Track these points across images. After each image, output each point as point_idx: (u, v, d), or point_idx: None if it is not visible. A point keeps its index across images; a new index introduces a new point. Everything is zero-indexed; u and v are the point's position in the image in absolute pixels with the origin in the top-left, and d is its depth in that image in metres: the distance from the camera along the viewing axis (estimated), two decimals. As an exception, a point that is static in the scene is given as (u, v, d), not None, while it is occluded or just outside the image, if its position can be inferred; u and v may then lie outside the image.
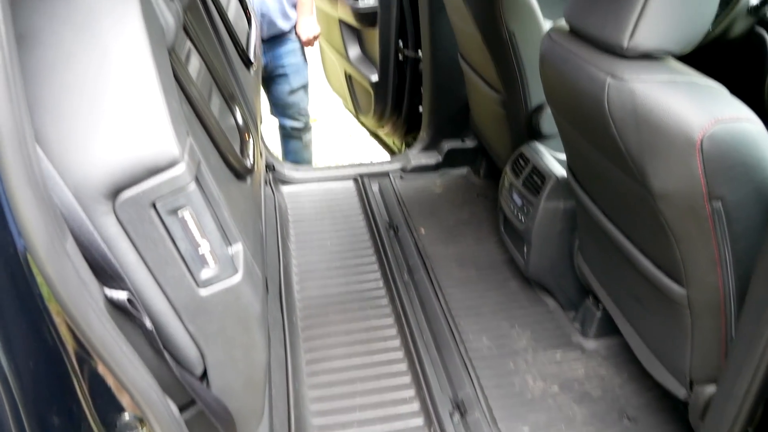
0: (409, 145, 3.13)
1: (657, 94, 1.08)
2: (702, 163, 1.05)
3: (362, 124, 3.59)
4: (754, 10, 2.19)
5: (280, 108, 3.17)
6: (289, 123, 3.20)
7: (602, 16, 1.18)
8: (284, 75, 3.05)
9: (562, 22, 1.39)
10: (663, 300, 1.33)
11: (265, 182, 2.54)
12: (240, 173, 1.15)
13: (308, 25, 3.01)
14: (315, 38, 3.06)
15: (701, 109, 1.05)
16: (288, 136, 3.26)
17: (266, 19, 2.87)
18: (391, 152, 3.47)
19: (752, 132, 1.05)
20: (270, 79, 3.06)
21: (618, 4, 1.13)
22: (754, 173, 1.08)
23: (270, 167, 2.72)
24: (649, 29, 1.10)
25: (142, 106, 0.77)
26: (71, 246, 0.72)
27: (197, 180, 0.86)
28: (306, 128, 3.26)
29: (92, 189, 0.76)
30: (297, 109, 3.17)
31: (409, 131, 3.18)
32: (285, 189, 2.73)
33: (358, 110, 3.47)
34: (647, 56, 1.14)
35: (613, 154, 1.25)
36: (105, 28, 0.79)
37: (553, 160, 1.94)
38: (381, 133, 3.42)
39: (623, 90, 1.13)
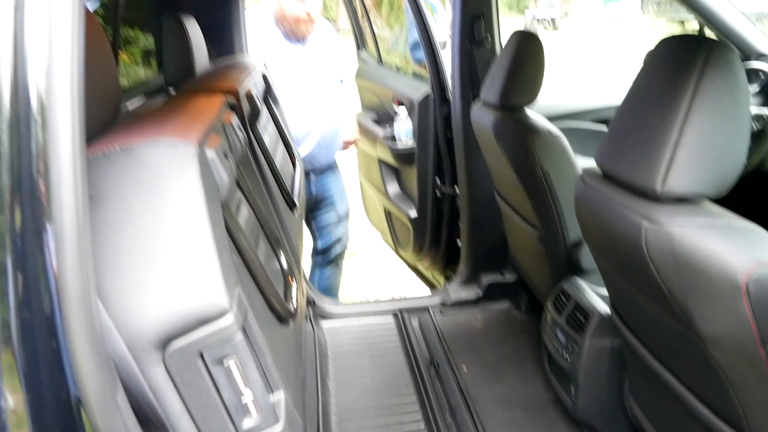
0: (448, 279, 3.14)
1: (695, 238, 1.09)
2: (750, 307, 1.03)
3: (401, 257, 3.64)
4: (787, 144, 2.22)
5: (325, 235, 3.21)
6: (334, 250, 3.23)
7: (634, 162, 1.21)
8: (331, 203, 3.13)
9: (594, 164, 1.43)
10: (725, 450, 1.25)
11: (305, 317, 2.55)
12: (283, 317, 1.17)
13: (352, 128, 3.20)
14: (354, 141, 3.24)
15: (742, 252, 1.05)
16: (327, 262, 3.28)
17: (324, 150, 2.98)
18: (431, 286, 3.48)
19: (800, 274, 1.04)
20: (316, 206, 3.13)
21: (648, 150, 1.17)
22: (807, 315, 1.05)
23: (310, 302, 2.74)
24: (681, 175, 1.12)
25: (196, 261, 0.82)
26: (122, 398, 0.74)
27: (243, 329, 0.88)
28: (343, 253, 3.32)
29: (145, 340, 0.79)
30: (342, 234, 3.22)
31: (448, 265, 3.20)
32: (325, 324, 2.73)
33: (397, 245, 3.53)
34: (682, 200, 1.16)
35: (656, 297, 1.24)
36: (166, 188, 0.85)
37: (596, 297, 1.92)
38: (420, 267, 3.45)
39: (660, 234, 1.14)
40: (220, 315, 0.82)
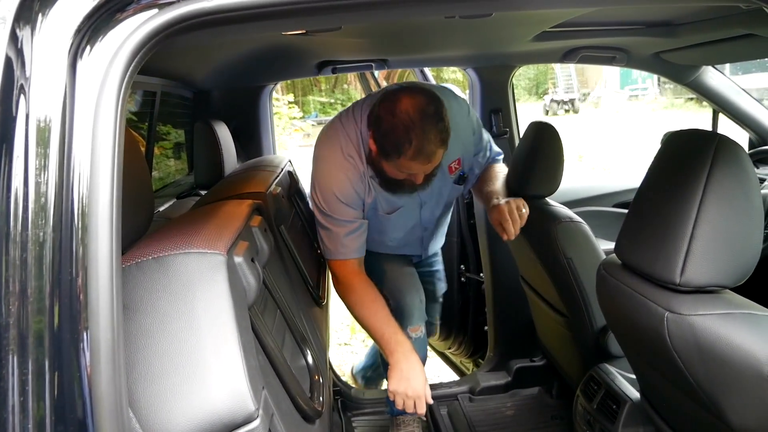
0: (477, 366, 3.10)
1: (717, 328, 1.09)
2: (778, 398, 1.02)
3: (429, 345, 3.61)
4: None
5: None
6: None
7: (651, 254, 1.24)
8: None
9: (613, 255, 1.45)
10: None
11: (332, 409, 2.53)
12: (310, 416, 1.18)
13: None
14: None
15: (766, 342, 1.05)
16: None
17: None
18: (460, 373, 3.43)
19: (825, 363, 1.03)
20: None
21: (664, 242, 1.19)
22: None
23: (337, 392, 2.72)
24: (699, 266, 1.14)
25: (224, 368, 0.85)
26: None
27: (270, 432, 0.90)
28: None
29: (174, 448, 0.81)
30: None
31: (476, 351, 3.17)
32: (353, 413, 2.70)
33: (424, 331, 3.51)
34: (702, 290, 1.17)
35: (684, 387, 1.23)
36: (195, 296, 0.90)
37: (626, 383, 1.88)
38: (448, 353, 3.41)
39: (683, 324, 1.14)
40: (247, 421, 0.84)
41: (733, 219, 1.14)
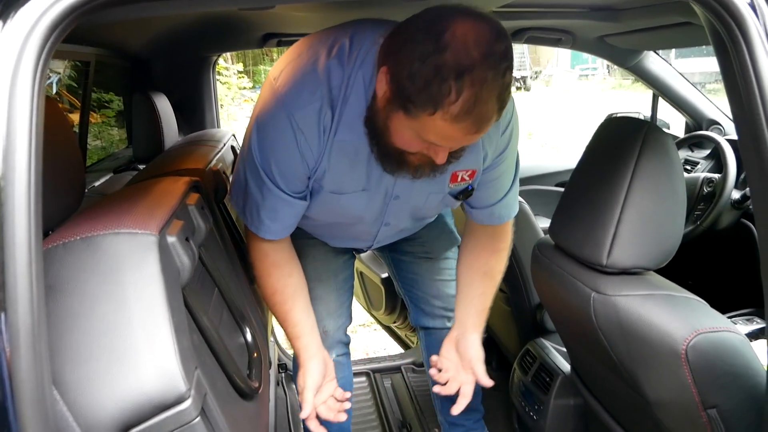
0: (421, 339, 3.15)
1: (639, 308, 1.15)
2: (690, 374, 1.09)
3: (375, 318, 3.65)
4: (737, 204, 2.32)
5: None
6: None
7: (581, 236, 1.28)
8: None
9: (547, 236, 1.49)
10: None
11: (277, 383, 2.54)
12: (247, 394, 1.19)
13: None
14: None
15: (681, 321, 1.11)
16: None
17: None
18: (405, 346, 3.49)
19: (734, 341, 1.10)
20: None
21: (593, 227, 1.24)
22: (742, 381, 1.10)
23: (282, 367, 2.73)
24: (624, 249, 1.20)
25: (154, 349, 0.85)
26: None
27: (203, 411, 0.90)
28: None
29: (102, 430, 0.81)
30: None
31: (420, 325, 3.22)
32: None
33: (370, 306, 3.55)
34: (627, 271, 1.23)
35: (607, 363, 1.29)
36: (125, 277, 0.88)
37: (560, 357, 1.96)
38: (393, 327, 3.46)
39: (607, 304, 1.20)
40: (178, 402, 0.84)
41: (657, 204, 1.19)
